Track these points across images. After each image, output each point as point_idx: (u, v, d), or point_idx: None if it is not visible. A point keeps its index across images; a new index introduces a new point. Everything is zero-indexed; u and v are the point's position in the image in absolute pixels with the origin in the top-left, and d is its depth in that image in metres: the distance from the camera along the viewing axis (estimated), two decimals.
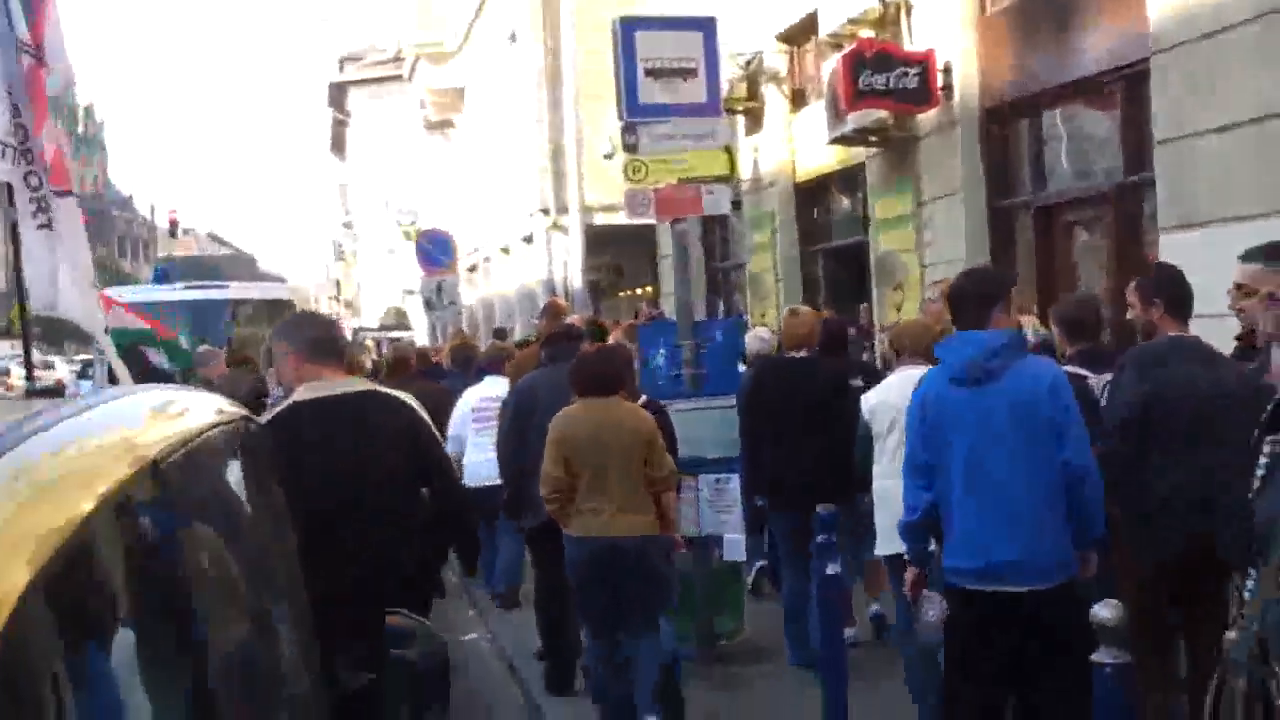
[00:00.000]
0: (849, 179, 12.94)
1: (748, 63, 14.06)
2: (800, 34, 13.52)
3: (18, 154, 5.25)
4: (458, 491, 4.90)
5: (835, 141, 11.67)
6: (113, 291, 14.96)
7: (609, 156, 15.54)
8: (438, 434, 4.75)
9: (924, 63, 10.20)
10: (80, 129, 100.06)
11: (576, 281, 19.53)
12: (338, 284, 53.73)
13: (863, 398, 6.04)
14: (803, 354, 7.02)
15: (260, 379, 9.00)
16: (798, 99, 13.89)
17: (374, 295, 49.06)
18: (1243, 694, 3.12)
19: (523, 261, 25.41)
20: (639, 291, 22.37)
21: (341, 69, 49.03)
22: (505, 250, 27.10)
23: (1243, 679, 3.11)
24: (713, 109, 7.52)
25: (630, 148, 7.41)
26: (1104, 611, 3.22)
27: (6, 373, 25.62)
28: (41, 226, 5.43)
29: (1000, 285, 4.55)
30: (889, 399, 5.70)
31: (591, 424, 5.63)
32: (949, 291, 4.72)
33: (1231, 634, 3.36)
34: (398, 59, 37.69)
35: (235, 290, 14.62)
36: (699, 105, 7.37)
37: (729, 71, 13.71)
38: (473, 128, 29.51)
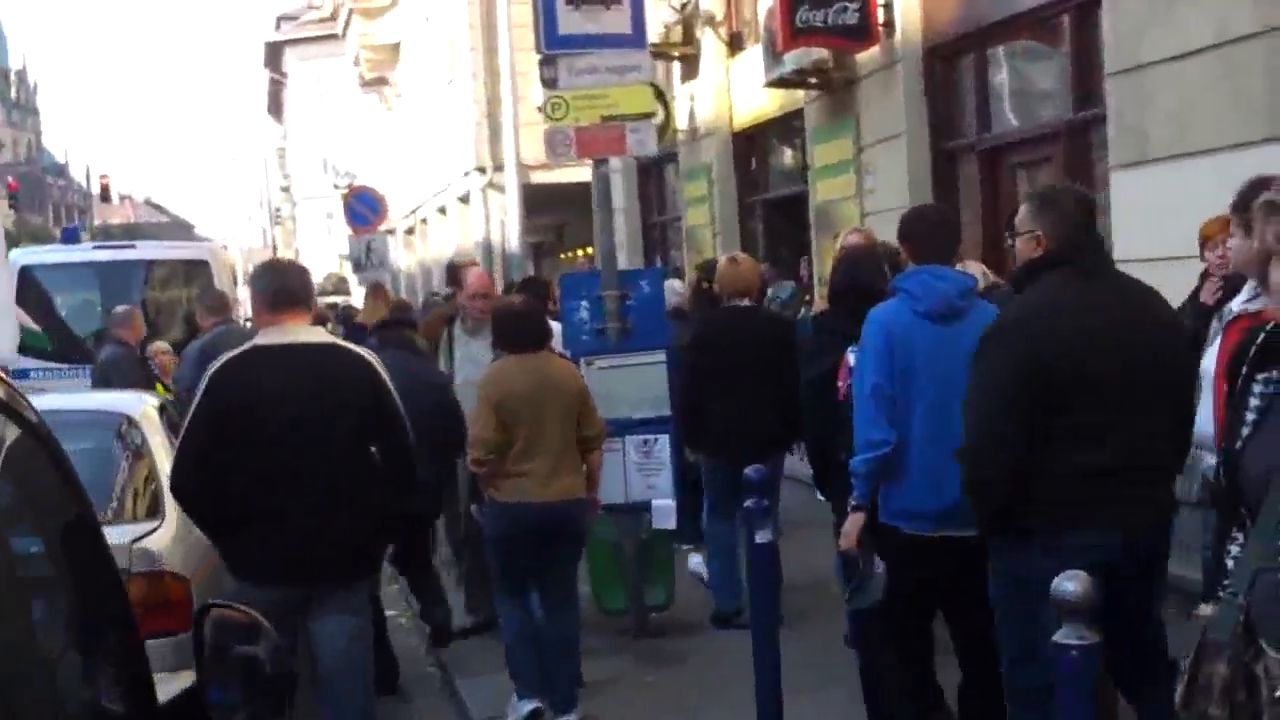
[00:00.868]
0: (788, 126, 12.42)
1: (683, 5, 13.47)
2: None
3: None
4: (410, 456, 4.54)
5: (773, 84, 11.16)
6: (19, 252, 14.16)
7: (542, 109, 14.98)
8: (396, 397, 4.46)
9: None
10: (13, 94, 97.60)
11: (515, 243, 18.89)
12: (274, 249, 52.81)
13: None
14: (745, 303, 6.81)
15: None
16: (735, 43, 13.31)
17: (312, 260, 48.02)
18: (1223, 679, 2.61)
19: (460, 223, 24.73)
20: (580, 253, 21.83)
21: (278, 28, 47.93)
22: (442, 211, 26.40)
23: (1223, 663, 2.61)
24: (637, 41, 7.06)
25: (549, 83, 7.01)
26: (1069, 584, 2.70)
27: None
28: None
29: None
30: None
31: (530, 382, 5.38)
32: (908, 223, 4.47)
33: (1206, 608, 2.91)
34: (334, 16, 36.75)
35: (144, 250, 13.82)
36: (623, 36, 6.91)
37: (663, 14, 13.15)
38: (408, 85, 28.71)
